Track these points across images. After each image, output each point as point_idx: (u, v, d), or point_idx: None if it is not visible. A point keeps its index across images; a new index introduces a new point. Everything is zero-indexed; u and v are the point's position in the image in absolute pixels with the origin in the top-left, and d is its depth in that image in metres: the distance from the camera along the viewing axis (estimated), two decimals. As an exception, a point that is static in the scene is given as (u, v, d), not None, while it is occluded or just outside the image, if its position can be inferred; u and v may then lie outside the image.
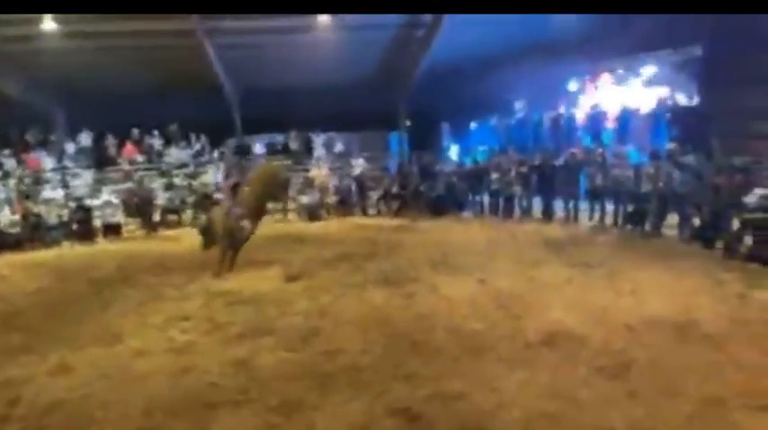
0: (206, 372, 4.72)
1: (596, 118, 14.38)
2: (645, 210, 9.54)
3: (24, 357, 5.25)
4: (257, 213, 8.09)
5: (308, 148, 17.38)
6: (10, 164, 15.40)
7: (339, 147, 17.51)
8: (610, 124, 14.07)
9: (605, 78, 14.73)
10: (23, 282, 8.19)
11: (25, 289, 7.83)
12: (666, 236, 9.10)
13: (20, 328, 6.13)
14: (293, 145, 17.24)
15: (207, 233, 8.29)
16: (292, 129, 17.48)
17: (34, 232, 11.40)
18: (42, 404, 4.31)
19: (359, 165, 14.60)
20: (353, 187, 14.09)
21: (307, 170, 15.00)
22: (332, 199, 13.80)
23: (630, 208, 9.86)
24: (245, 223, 7.87)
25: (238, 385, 4.46)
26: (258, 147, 17.48)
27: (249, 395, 4.28)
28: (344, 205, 13.73)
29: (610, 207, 10.40)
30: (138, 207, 12.98)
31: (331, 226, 11.61)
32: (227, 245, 8.01)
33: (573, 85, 15.68)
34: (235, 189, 8.15)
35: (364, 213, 13.63)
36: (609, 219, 10.35)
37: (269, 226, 11.62)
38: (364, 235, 10.48)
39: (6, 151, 15.65)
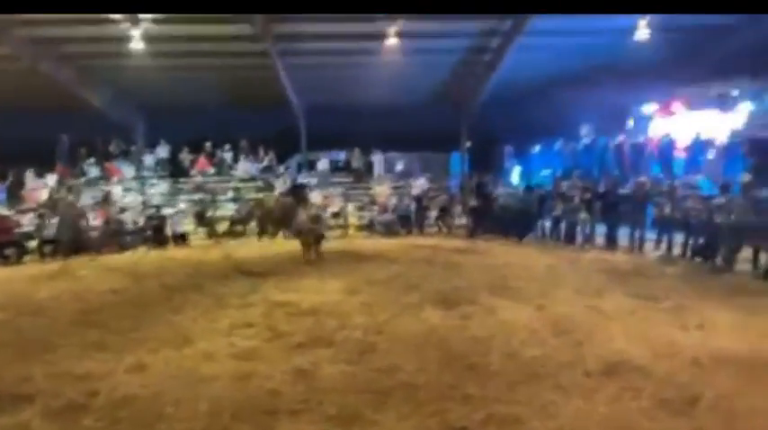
0: (268, 379, 4.89)
1: (666, 146, 13.94)
2: (716, 244, 9.16)
3: (102, 354, 5.61)
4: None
5: (369, 167, 17.71)
6: (94, 172, 16.51)
7: (400, 166, 17.74)
8: (680, 153, 13.62)
9: (677, 106, 14.29)
10: (101, 283, 8.71)
11: (102, 289, 8.32)
12: (739, 271, 8.70)
13: (97, 326, 6.54)
14: (355, 163, 17.60)
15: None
16: (355, 147, 17.87)
17: (113, 237, 12.14)
18: (118, 398, 4.59)
19: (419, 185, 14.73)
20: (413, 206, 14.21)
21: (368, 188, 15.26)
22: (392, 217, 13.97)
23: (701, 240, 9.49)
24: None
25: (298, 393, 4.60)
26: (321, 164, 17.96)
27: (308, 404, 4.41)
28: (404, 224, 13.86)
29: (678, 238, 10.04)
30: (205, 217, 13.63)
31: (389, 244, 11.73)
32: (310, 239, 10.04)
33: (643, 112, 15.30)
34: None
35: (422, 232, 13.71)
36: (677, 251, 9.98)
37: (328, 242, 12.00)
38: (422, 254, 10.54)
39: (91, 160, 16.81)
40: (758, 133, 12.41)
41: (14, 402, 4.55)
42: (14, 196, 14.51)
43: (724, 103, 13.38)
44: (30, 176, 15.28)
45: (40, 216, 11.91)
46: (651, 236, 10.60)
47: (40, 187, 14.81)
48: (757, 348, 5.32)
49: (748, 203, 8.92)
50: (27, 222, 12.02)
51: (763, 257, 8.41)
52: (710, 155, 13.14)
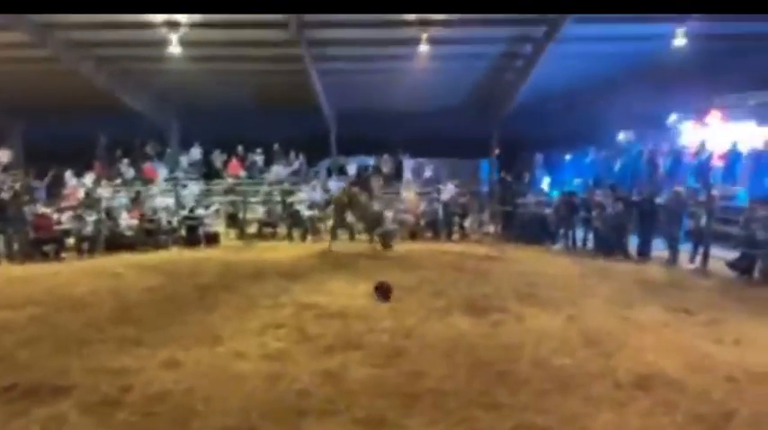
0: (296, 380, 4.96)
1: (702, 155, 13.63)
2: (754, 257, 8.92)
3: (137, 349, 5.76)
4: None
5: (398, 172, 17.75)
6: (129, 172, 16.94)
7: (428, 172, 17.75)
8: (717, 163, 13.30)
9: (714, 115, 13.97)
10: (136, 281, 8.92)
11: (138, 287, 8.53)
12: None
13: (132, 322, 6.71)
14: (385, 168, 17.66)
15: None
16: (384, 153, 17.94)
17: (147, 236, 12.43)
18: (151, 393, 4.71)
19: (448, 190, 14.69)
20: (441, 212, 14.18)
21: (397, 193, 15.30)
22: (420, 223, 13.96)
23: (738, 253, 9.26)
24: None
25: (327, 395, 4.66)
26: (351, 168, 18.08)
27: (337, 406, 4.46)
28: (432, 229, 13.85)
29: (714, 251, 9.81)
30: (236, 219, 13.86)
31: (417, 250, 11.74)
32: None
33: (678, 121, 15.00)
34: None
35: (450, 238, 13.67)
36: (713, 264, 9.74)
37: (355, 245, 12.08)
38: (450, 260, 10.52)
39: (126, 160, 17.26)
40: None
41: (52, 394, 4.71)
42: (54, 194, 14.96)
43: (762, 113, 13.03)
44: (68, 176, 15.74)
45: (78, 216, 12.24)
46: (686, 248, 10.37)
47: (79, 186, 15.23)
48: (795, 365, 5.17)
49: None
50: (65, 220, 12.36)
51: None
52: (747, 165, 12.81)
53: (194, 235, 12.89)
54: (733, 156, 13.09)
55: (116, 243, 12.08)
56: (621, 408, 4.35)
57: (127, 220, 12.82)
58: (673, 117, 15.09)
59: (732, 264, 9.22)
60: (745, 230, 9.36)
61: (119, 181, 16.61)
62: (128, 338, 6.12)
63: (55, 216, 12.50)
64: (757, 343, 5.84)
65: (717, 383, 4.78)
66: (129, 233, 12.53)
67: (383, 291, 7.39)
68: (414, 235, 13.55)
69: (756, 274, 8.81)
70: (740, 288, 8.51)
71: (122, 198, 14.62)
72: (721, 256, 9.61)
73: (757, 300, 7.73)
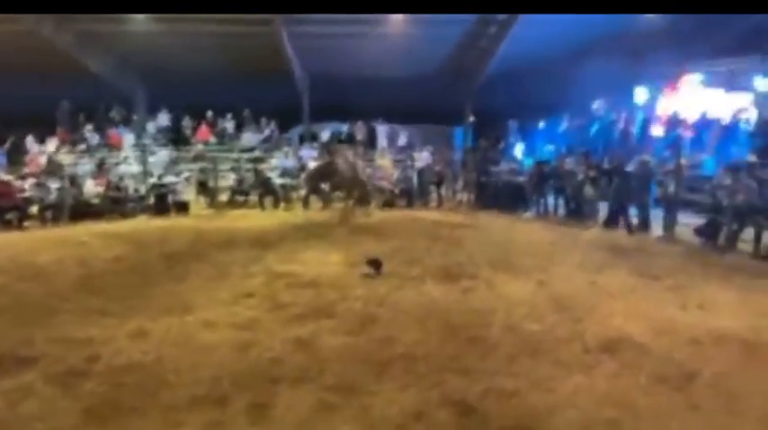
0: (268, 348, 4.93)
1: (672, 124, 13.80)
2: (719, 223, 9.14)
3: (103, 319, 5.65)
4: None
5: (371, 139, 17.58)
6: (94, 138, 16.41)
7: (402, 139, 17.62)
8: (686, 132, 13.48)
9: (685, 83, 14.09)
10: (103, 250, 8.68)
11: (104, 256, 8.30)
12: (741, 251, 8.70)
13: (99, 292, 6.58)
14: (358, 135, 17.46)
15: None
16: (358, 120, 17.72)
17: (114, 204, 12.12)
18: (119, 364, 4.64)
19: (423, 158, 14.63)
20: (415, 179, 14.14)
21: (371, 160, 15.18)
22: (395, 191, 13.91)
23: (704, 220, 9.47)
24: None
25: (298, 363, 4.65)
26: (324, 135, 17.83)
27: (308, 373, 4.46)
28: (406, 197, 13.81)
29: (682, 217, 10.01)
30: (206, 186, 13.59)
31: (392, 218, 11.71)
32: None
33: (650, 89, 15.11)
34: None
35: (424, 206, 13.67)
36: (680, 230, 9.95)
37: (329, 214, 11.98)
38: (425, 228, 10.52)
39: (90, 126, 16.69)
40: (766, 113, 12.27)
41: (17, 365, 4.60)
42: (15, 161, 14.43)
43: (733, 82, 13.20)
44: (30, 141, 15.18)
45: (40, 184, 11.85)
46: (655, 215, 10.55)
47: (41, 153, 14.72)
48: (756, 327, 5.35)
49: (753, 184, 8.87)
50: (28, 188, 11.95)
51: (765, 237, 8.38)
52: (716, 134, 13.02)
53: (163, 203, 12.62)
54: (701, 125, 13.29)
55: (81, 211, 11.75)
56: (589, 371, 4.44)
57: (92, 188, 12.47)
58: (641, 89, 15.16)
59: (698, 231, 9.43)
60: (711, 198, 9.57)
61: (83, 147, 16.09)
62: (94, 308, 6.00)
63: (17, 183, 12.08)
64: (719, 307, 6.01)
65: (680, 346, 4.92)
66: (94, 201, 12.21)
67: (376, 265, 7.29)
68: (389, 203, 13.50)
69: (721, 240, 9.02)
70: (705, 254, 8.72)
71: (87, 165, 14.19)
72: (688, 223, 9.82)
73: (721, 265, 7.94)
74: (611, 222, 10.86)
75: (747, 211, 8.70)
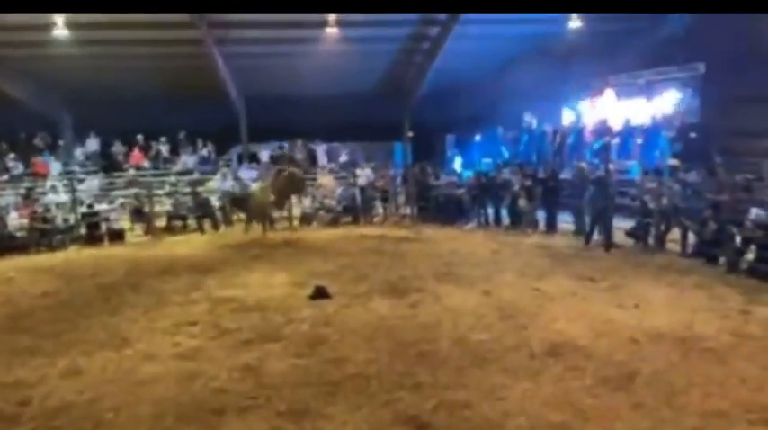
0: (214, 378, 4.77)
1: (600, 132, 14.47)
2: (647, 225, 9.60)
3: (33, 360, 5.31)
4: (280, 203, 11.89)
5: (311, 158, 17.49)
6: (17, 167, 15.54)
7: (343, 157, 17.62)
8: (613, 139, 14.15)
9: (609, 93, 14.84)
10: (31, 286, 8.20)
11: (33, 292, 7.84)
12: (669, 251, 9.16)
13: (28, 331, 6.19)
14: (298, 154, 17.33)
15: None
16: (297, 139, 17.59)
17: (42, 236, 11.46)
18: (53, 405, 4.37)
19: (364, 174, 14.65)
20: (358, 196, 14.14)
21: (314, 179, 15.08)
22: (337, 208, 13.84)
23: (633, 222, 9.92)
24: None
25: (246, 390, 4.52)
26: (264, 155, 17.60)
27: (257, 400, 4.34)
28: (351, 214, 13.78)
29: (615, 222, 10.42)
30: (142, 213, 13.08)
31: (337, 235, 11.65)
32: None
33: (578, 100, 15.80)
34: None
35: (368, 222, 13.68)
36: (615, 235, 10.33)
37: (273, 233, 11.79)
38: (368, 244, 10.53)
39: (12, 155, 15.81)
40: (684, 119, 13.05)
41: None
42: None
43: (651, 91, 13.99)
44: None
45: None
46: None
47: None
48: (689, 323, 5.64)
49: (676, 187, 9.39)
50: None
51: (691, 236, 8.87)
52: (639, 140, 13.74)
53: (95, 232, 12.03)
54: (626, 133, 14.00)
55: (5, 245, 11.03)
56: (536, 377, 4.54)
57: (17, 220, 11.74)
58: (574, 96, 15.83)
59: (629, 233, 9.87)
60: (638, 201, 10.05)
61: (5, 177, 15.19)
62: (22, 348, 5.64)
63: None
64: (654, 305, 6.30)
65: (620, 346, 5.12)
66: (19, 234, 11.49)
67: (322, 293, 7.12)
68: (335, 220, 13.42)
69: (651, 241, 9.48)
70: (637, 254, 9.14)
71: (10, 196, 13.37)
72: (620, 226, 10.24)
73: (652, 264, 8.35)
74: (549, 229, 11.20)
75: (673, 213, 9.18)
